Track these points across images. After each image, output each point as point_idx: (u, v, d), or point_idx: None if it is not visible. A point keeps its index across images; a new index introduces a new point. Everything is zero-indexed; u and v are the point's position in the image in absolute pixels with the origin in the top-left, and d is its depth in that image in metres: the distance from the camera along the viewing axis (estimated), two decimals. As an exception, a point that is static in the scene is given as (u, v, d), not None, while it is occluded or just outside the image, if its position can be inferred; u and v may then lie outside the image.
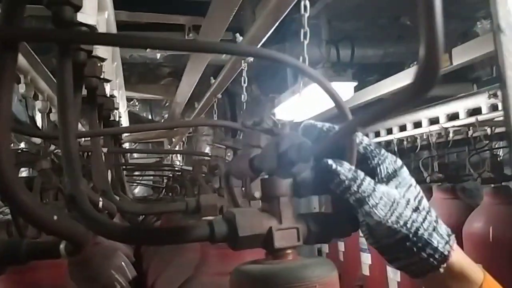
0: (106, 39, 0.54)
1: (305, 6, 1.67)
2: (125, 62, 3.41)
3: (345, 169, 0.55)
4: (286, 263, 0.58)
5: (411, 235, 0.53)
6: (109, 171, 1.42)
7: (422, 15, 0.25)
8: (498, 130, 2.55)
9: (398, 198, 0.54)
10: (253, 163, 0.60)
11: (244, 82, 2.33)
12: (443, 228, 0.55)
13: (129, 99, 4.16)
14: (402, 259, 0.55)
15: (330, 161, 0.55)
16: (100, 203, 0.86)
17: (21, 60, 1.44)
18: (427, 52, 0.25)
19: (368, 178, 0.55)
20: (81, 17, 0.86)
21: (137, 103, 4.70)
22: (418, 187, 0.57)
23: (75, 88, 0.83)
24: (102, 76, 1.14)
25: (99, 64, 1.07)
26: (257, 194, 0.60)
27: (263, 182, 0.60)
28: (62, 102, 0.58)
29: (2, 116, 0.41)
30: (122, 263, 1.63)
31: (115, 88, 1.53)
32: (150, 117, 4.76)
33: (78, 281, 1.10)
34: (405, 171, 0.58)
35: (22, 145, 1.89)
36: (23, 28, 0.45)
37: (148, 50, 3.02)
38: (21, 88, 1.47)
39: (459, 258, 0.54)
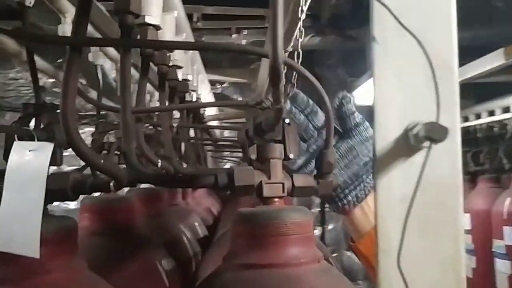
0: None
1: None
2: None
3: None
4: (270, 208, 0.77)
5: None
6: (183, 144, 1.70)
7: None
8: None
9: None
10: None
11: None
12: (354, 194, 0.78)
13: (220, 82, 4.47)
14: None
15: None
16: (159, 164, 1.12)
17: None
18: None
19: None
20: (148, 18, 1.09)
21: (228, 86, 5.03)
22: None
23: (143, 73, 1.09)
24: (171, 64, 1.39)
25: (168, 54, 1.32)
26: (253, 156, 0.80)
27: (258, 146, 0.80)
28: (123, 88, 0.83)
29: (70, 96, 0.65)
30: (195, 223, 1.92)
31: (190, 73, 1.78)
32: (240, 99, 5.08)
33: (151, 231, 1.37)
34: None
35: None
36: (86, 37, 0.69)
37: (233, 36, 3.28)
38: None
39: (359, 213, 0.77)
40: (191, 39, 1.71)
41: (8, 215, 0.68)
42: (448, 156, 0.51)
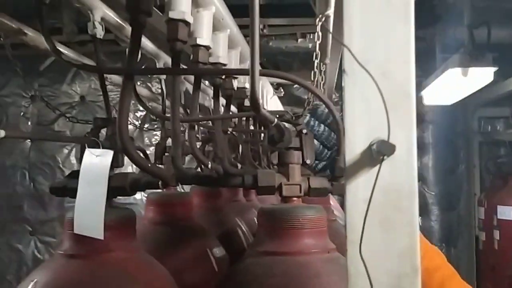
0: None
1: None
2: (286, 52, 3.87)
3: None
4: (288, 205, 0.91)
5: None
6: (240, 146, 1.87)
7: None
8: None
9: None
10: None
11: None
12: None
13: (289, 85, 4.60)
14: None
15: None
16: (209, 165, 1.29)
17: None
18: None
19: None
20: (199, 40, 1.26)
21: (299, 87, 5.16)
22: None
23: (195, 86, 1.26)
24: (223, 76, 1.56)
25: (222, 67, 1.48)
26: (275, 161, 0.94)
27: (279, 153, 0.94)
28: (173, 104, 1.01)
29: (124, 114, 0.84)
30: (254, 218, 2.08)
31: (247, 81, 1.95)
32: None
33: (207, 223, 1.56)
34: None
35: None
36: (137, 68, 0.88)
37: (299, 40, 3.41)
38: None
39: None
40: (248, 51, 1.87)
41: (81, 206, 0.89)
42: (405, 166, 0.61)
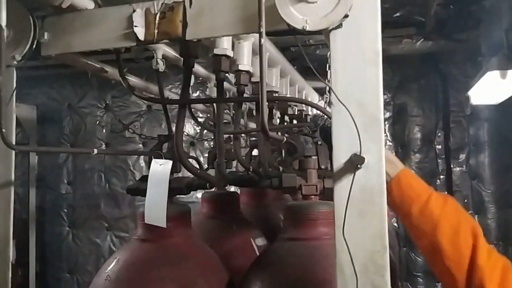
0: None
1: None
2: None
3: None
4: (307, 202, 1.16)
5: None
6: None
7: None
8: None
9: None
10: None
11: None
12: None
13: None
14: None
15: None
16: (251, 168, 1.56)
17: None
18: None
19: None
20: (241, 66, 1.51)
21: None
22: None
23: (237, 106, 1.53)
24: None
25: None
26: (296, 167, 1.18)
27: (300, 160, 1.18)
28: (217, 124, 1.28)
29: (179, 134, 1.12)
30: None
31: (287, 93, 2.17)
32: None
33: (253, 217, 1.82)
34: None
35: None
36: (189, 99, 1.16)
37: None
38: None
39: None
40: (287, 67, 2.11)
41: (150, 202, 1.19)
42: (376, 172, 0.84)
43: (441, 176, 4.09)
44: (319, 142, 1.16)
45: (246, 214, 1.78)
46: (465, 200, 4.49)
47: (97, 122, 4.27)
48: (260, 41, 0.83)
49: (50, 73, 4.16)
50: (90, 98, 4.30)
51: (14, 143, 0.99)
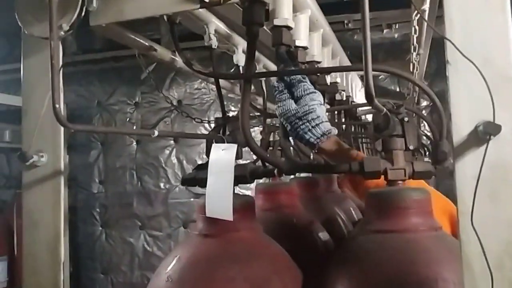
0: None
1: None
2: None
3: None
4: (393, 188, 1.00)
5: (294, 131, 1.02)
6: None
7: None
8: None
9: (293, 109, 1.02)
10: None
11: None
12: (319, 130, 0.99)
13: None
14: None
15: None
16: (311, 156, 1.40)
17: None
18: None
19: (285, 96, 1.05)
20: (298, 42, 1.37)
21: (385, 78, 5.09)
22: (314, 107, 1.02)
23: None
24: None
25: (316, 66, 1.58)
26: (379, 148, 1.02)
27: (384, 140, 1.02)
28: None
29: (246, 113, 0.98)
30: (350, 208, 2.17)
31: (339, 76, 2.03)
32: (397, 89, 5.10)
33: (311, 210, 1.67)
34: (309, 97, 1.03)
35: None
36: (255, 72, 1.02)
37: (385, 31, 3.41)
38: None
39: (330, 145, 1.01)
40: (338, 47, 1.95)
41: (211, 193, 1.04)
42: (511, 144, 0.68)
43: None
44: (406, 119, 0.99)
45: (301, 206, 1.63)
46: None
47: (128, 119, 4.18)
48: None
49: (78, 70, 4.09)
50: (120, 94, 4.21)
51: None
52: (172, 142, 4.07)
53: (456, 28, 0.71)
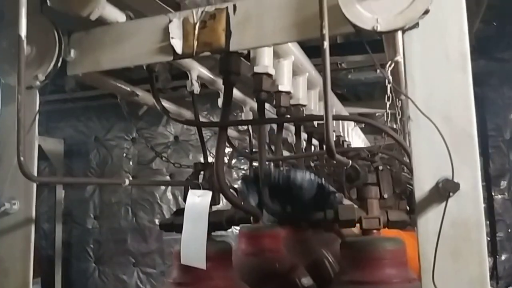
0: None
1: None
2: (366, 82, 3.91)
3: None
4: (368, 238, 0.99)
5: None
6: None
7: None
8: None
9: None
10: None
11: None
12: None
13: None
14: None
15: None
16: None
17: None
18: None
19: None
20: (280, 87, 1.38)
21: (381, 115, 5.12)
22: None
23: (278, 128, 1.39)
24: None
25: (301, 109, 1.59)
26: (353, 196, 1.02)
27: (358, 189, 1.02)
28: (260, 148, 1.14)
29: (220, 158, 0.98)
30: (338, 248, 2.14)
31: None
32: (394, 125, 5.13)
33: (295, 254, 1.65)
34: None
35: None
36: (229, 121, 1.03)
37: (378, 71, 3.45)
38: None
39: None
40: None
41: (187, 239, 1.04)
42: (472, 201, 0.67)
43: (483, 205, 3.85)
44: (380, 168, 1.00)
45: (286, 250, 1.61)
46: (509, 230, 4.22)
47: (124, 154, 4.20)
48: (323, 44, 0.69)
49: (77, 106, 4.14)
50: (117, 130, 4.24)
51: (36, 174, 0.87)
52: (168, 177, 4.07)
53: (417, 86, 0.72)
